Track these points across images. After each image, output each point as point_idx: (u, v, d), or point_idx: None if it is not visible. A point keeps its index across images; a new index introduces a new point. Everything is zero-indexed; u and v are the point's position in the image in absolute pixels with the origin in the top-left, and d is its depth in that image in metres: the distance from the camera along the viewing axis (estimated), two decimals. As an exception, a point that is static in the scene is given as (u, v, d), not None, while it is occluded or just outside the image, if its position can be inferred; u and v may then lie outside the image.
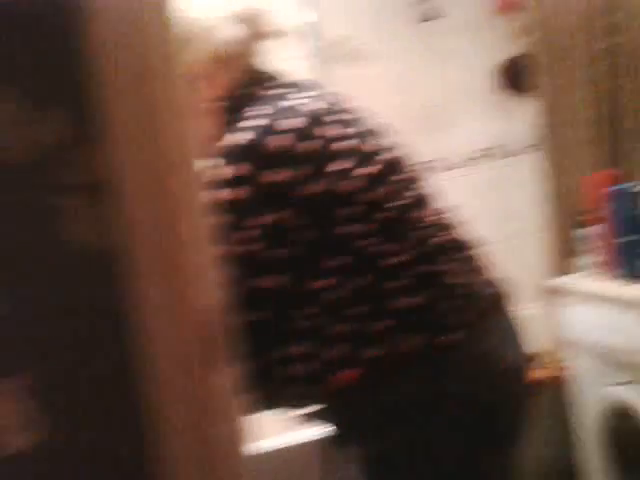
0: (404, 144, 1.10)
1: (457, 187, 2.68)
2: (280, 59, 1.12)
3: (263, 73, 1.07)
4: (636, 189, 1.84)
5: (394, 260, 0.95)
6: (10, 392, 0.61)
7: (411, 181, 1.04)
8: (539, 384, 1.98)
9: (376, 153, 0.99)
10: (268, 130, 0.93)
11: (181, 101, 0.66)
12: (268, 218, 0.92)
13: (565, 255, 2.09)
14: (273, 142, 0.92)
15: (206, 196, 0.70)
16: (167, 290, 0.63)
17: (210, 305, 0.67)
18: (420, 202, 1.04)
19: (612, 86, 2.12)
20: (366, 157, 0.97)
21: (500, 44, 2.65)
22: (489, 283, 1.07)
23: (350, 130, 0.99)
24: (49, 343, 0.61)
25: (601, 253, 1.93)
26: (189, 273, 0.64)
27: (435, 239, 1.00)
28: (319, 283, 0.94)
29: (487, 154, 2.72)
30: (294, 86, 1.06)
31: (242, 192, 0.92)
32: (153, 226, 0.62)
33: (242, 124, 0.96)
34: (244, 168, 0.92)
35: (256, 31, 1.07)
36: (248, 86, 1.04)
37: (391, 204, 0.97)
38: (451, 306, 0.96)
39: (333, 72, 2.48)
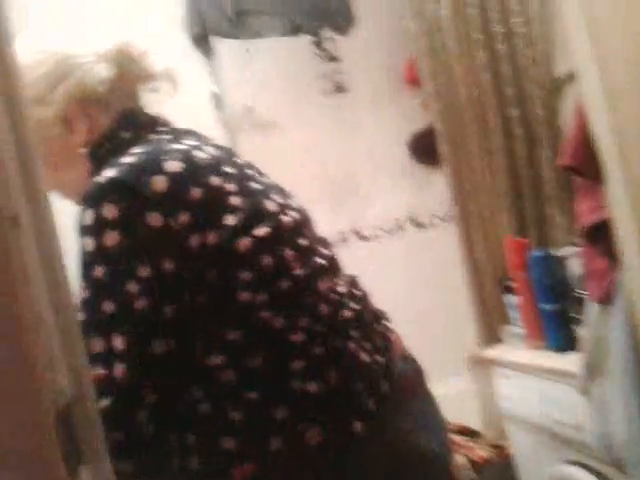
0: (312, 212, 1.02)
1: (372, 258, 2.66)
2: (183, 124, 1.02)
3: (141, 118, 0.97)
4: (554, 254, 1.81)
5: (298, 337, 0.83)
6: None
7: (319, 248, 0.94)
8: (479, 464, 1.88)
9: (278, 213, 0.88)
10: (137, 168, 0.80)
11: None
12: (145, 270, 0.77)
13: (492, 324, 2.06)
14: (142, 181, 0.79)
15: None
16: (7, 381, 0.49)
17: (65, 391, 0.54)
18: (330, 271, 0.93)
19: (509, 155, 2.18)
20: (265, 216, 0.85)
21: (408, 116, 2.68)
22: (403, 361, 0.97)
23: (243, 185, 0.87)
24: None
25: (526, 322, 1.89)
26: (34, 354, 0.50)
27: (346, 312, 0.90)
28: (212, 359, 0.81)
29: (400, 225, 2.69)
30: (177, 133, 0.95)
31: (108, 239, 0.77)
32: None
33: (108, 166, 0.83)
34: (107, 210, 0.78)
35: (128, 72, 0.98)
36: (120, 130, 0.93)
37: (298, 271, 0.85)
38: (356, 390, 0.85)
39: (239, 142, 2.43)
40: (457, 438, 1.79)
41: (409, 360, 1.00)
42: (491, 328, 2.07)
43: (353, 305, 0.92)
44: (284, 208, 0.90)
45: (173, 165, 0.81)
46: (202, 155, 0.86)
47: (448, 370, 2.51)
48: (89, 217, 0.79)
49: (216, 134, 2.35)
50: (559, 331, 1.78)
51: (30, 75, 0.92)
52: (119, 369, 0.76)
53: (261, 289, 0.82)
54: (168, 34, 2.33)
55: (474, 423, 2.04)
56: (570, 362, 1.53)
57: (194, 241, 0.79)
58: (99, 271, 0.77)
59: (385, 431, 0.86)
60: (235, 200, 0.83)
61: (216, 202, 0.82)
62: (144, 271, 0.77)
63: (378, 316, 1.00)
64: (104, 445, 0.59)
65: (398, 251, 2.67)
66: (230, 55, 2.49)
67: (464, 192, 2.21)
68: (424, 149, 2.58)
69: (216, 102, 2.49)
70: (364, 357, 0.88)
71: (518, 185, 2.18)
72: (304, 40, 2.58)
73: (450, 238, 2.33)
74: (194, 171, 0.83)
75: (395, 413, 0.88)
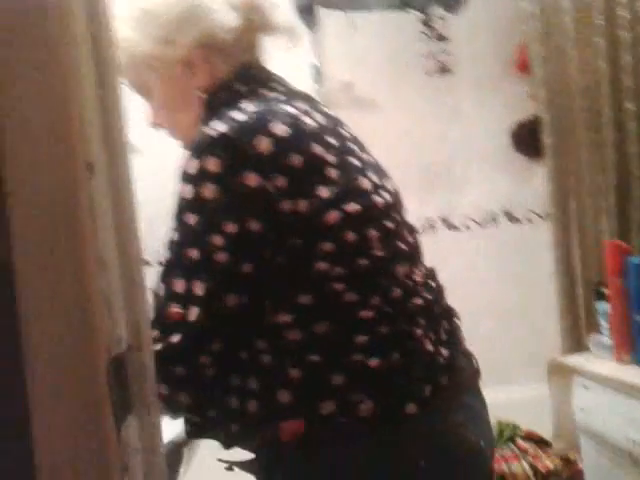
0: (404, 197, 1.01)
1: (459, 249, 2.56)
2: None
3: (258, 72, 0.98)
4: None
5: (367, 314, 0.85)
6: None
7: (405, 233, 0.95)
8: (543, 474, 1.77)
9: (371, 192, 0.89)
10: (245, 127, 0.83)
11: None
12: (233, 226, 0.81)
13: (579, 331, 1.92)
14: (248, 141, 0.82)
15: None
16: (65, 322, 0.48)
17: (122, 339, 0.53)
18: (411, 257, 0.94)
19: (621, 153, 2.00)
20: (358, 193, 0.87)
21: (513, 105, 2.54)
22: (463, 356, 0.98)
23: (343, 158, 0.88)
24: None
25: (615, 333, 1.74)
26: (94, 300, 0.49)
27: (417, 300, 0.91)
28: (281, 317, 0.84)
29: (494, 217, 2.57)
30: (291, 93, 0.96)
31: (207, 191, 0.81)
32: (49, 242, 0.47)
33: (219, 117, 0.85)
34: (211, 163, 0.81)
35: (254, 23, 0.98)
36: (237, 82, 0.95)
37: (379, 252, 0.87)
38: (415, 375, 0.86)
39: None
40: (524, 444, 1.69)
41: (468, 356, 1.00)
42: (577, 335, 1.93)
43: (426, 295, 0.93)
44: (378, 188, 0.90)
45: (280, 128, 0.83)
46: (309, 122, 0.87)
47: (527, 373, 2.39)
48: (193, 166, 0.82)
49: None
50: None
51: (161, 15, 0.94)
52: (194, 312, 0.80)
53: (339, 263, 0.84)
54: (272, 1, 2.31)
55: (546, 432, 1.92)
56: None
57: (285, 206, 0.82)
58: (192, 219, 0.81)
59: (437, 420, 0.87)
60: (332, 172, 0.85)
61: (314, 172, 0.84)
62: (231, 227, 0.80)
63: (448, 311, 1.00)
64: (155, 397, 0.59)
65: (488, 244, 2.55)
66: (334, 27, 2.44)
67: (565, 188, 2.06)
68: (528, 140, 2.44)
69: (315, 75, 2.45)
70: (428, 346, 0.88)
71: (625, 185, 2.00)
72: (411, 16, 2.49)
73: (545, 236, 2.19)
74: (299, 137, 0.84)
75: (449, 405, 0.89)
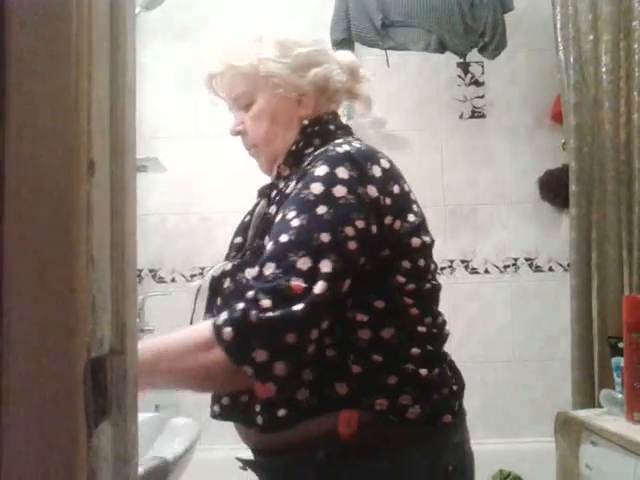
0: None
1: (477, 293, 2.51)
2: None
3: (339, 120, 1.14)
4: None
5: (423, 329, 0.98)
6: None
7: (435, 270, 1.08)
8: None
9: (426, 227, 1.03)
10: (363, 153, 0.98)
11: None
12: (361, 223, 0.93)
13: (592, 385, 1.85)
14: (365, 163, 0.96)
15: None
16: (45, 318, 0.46)
17: (105, 342, 0.51)
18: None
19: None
20: (427, 228, 1.02)
21: (545, 154, 2.52)
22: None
23: (412, 196, 1.04)
24: None
25: (629, 389, 1.67)
26: (78, 298, 0.47)
27: (447, 329, 1.05)
28: (358, 316, 0.95)
29: (515, 264, 2.52)
30: (358, 139, 1.11)
31: (337, 190, 0.93)
32: (41, 237, 0.46)
33: (338, 143, 1.00)
34: (341, 171, 0.95)
35: (349, 84, 1.15)
36: (329, 123, 1.11)
37: (434, 281, 1.02)
38: (452, 390, 0.99)
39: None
40: (524, 498, 1.60)
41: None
42: (590, 389, 1.86)
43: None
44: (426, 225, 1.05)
45: (383, 161, 0.99)
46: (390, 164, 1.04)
47: (536, 425, 2.30)
48: (324, 171, 0.94)
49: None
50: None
51: (301, 49, 1.09)
52: (321, 286, 0.87)
53: (412, 281, 0.97)
54: (311, 35, 2.36)
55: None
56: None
57: (387, 221, 0.95)
58: (322, 209, 0.91)
59: (461, 432, 1.01)
60: (414, 206, 1.01)
61: (405, 201, 0.99)
62: (360, 224, 0.92)
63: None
64: (134, 405, 0.57)
65: (507, 291, 2.49)
66: (370, 64, 2.47)
67: (589, 238, 2.02)
68: (556, 188, 2.41)
69: (348, 109, 2.47)
70: (452, 369, 1.03)
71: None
72: (449, 59, 2.51)
73: (566, 287, 2.14)
74: (394, 171, 1.01)
75: (462, 422, 1.02)
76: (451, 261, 2.51)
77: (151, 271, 2.54)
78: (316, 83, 1.10)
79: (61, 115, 0.46)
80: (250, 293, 0.86)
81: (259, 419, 0.94)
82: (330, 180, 0.93)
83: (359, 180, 0.94)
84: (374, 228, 0.94)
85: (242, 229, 1.13)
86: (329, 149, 0.98)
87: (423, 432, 0.95)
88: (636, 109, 1.99)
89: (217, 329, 0.85)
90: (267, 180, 1.19)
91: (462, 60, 2.52)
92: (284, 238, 0.90)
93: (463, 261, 2.52)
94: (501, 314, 2.47)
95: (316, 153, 1.00)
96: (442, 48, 2.41)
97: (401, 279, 0.97)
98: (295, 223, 0.91)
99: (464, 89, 2.61)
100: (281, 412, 0.93)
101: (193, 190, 2.57)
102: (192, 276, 2.52)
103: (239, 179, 2.55)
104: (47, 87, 0.46)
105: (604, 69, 2.02)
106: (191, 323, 1.04)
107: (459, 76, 2.62)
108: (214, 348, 0.85)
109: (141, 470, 0.99)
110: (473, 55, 2.43)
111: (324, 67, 1.10)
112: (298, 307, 0.85)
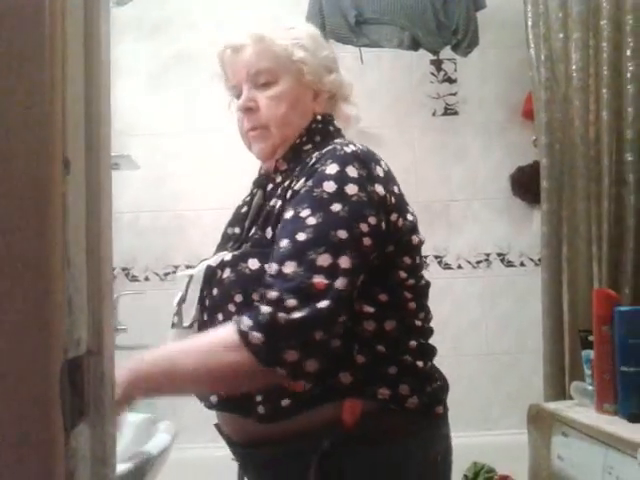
0: None
1: (451, 288, 2.54)
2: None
3: (335, 123, 1.17)
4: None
5: (419, 323, 1.03)
6: None
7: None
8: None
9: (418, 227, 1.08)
10: (366, 154, 1.01)
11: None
12: (374, 219, 0.96)
13: (562, 378, 1.88)
14: (370, 163, 1.00)
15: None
16: (21, 318, 0.46)
17: (82, 342, 0.51)
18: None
19: (617, 204, 2.00)
20: (417, 225, 1.06)
21: (516, 151, 2.56)
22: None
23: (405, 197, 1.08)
24: None
25: (599, 382, 1.70)
26: (54, 298, 0.47)
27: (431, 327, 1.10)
28: (365, 308, 0.98)
29: (488, 259, 2.55)
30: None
31: (349, 188, 0.96)
32: (16, 236, 0.46)
33: (345, 141, 1.04)
34: (351, 170, 0.97)
35: (348, 95, 1.20)
36: (330, 123, 1.14)
37: (424, 279, 1.07)
38: (442, 383, 1.05)
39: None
40: (497, 489, 1.63)
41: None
42: (561, 382, 1.89)
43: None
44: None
45: (383, 163, 1.03)
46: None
47: (509, 418, 2.34)
48: (334, 169, 0.97)
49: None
50: (636, 398, 1.59)
51: (325, 46, 1.16)
52: (342, 281, 0.90)
53: (412, 276, 1.02)
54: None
55: (523, 479, 1.86)
56: (641, 433, 1.36)
57: (393, 218, 0.99)
58: (337, 207, 0.94)
59: (447, 424, 1.06)
60: (409, 207, 1.05)
61: (403, 201, 1.03)
62: (373, 220, 0.95)
63: None
64: (111, 405, 0.57)
65: (479, 286, 2.53)
66: (343, 61, 2.48)
67: (559, 233, 2.05)
68: (527, 184, 2.44)
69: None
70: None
71: (620, 236, 1.99)
72: (422, 56, 2.53)
73: (537, 282, 2.17)
74: (392, 174, 1.04)
75: (447, 415, 1.06)
76: (425, 257, 2.53)
77: (124, 269, 2.52)
78: (333, 85, 1.14)
79: (35, 112, 0.45)
80: (273, 294, 0.88)
81: (260, 409, 0.96)
82: (342, 178, 0.96)
83: (367, 179, 0.97)
84: (383, 225, 0.97)
85: (239, 219, 1.14)
86: (336, 148, 1.00)
87: (420, 422, 0.99)
88: (605, 106, 2.03)
89: (244, 334, 0.86)
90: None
91: (435, 57, 2.54)
92: (302, 236, 0.92)
93: (437, 257, 2.55)
94: (473, 309, 2.50)
95: (323, 151, 1.01)
96: (415, 45, 2.42)
97: (403, 274, 1.01)
98: (311, 221, 0.93)
99: (437, 86, 2.63)
100: (284, 402, 0.95)
101: (166, 188, 2.56)
102: (166, 274, 2.50)
103: (213, 176, 2.54)
104: (21, 84, 0.45)
105: (574, 67, 2.05)
106: (179, 312, 1.04)
107: (432, 73, 2.64)
108: (241, 351, 0.87)
109: (119, 470, 0.99)
110: (446, 52, 2.45)
111: (339, 74, 1.16)
112: (323, 304, 0.88)
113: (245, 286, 0.95)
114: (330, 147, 1.02)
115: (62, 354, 0.47)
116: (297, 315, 0.86)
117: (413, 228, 1.04)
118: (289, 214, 0.96)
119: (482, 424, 2.39)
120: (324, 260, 0.90)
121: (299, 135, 1.10)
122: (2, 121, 0.44)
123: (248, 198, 1.16)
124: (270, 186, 1.10)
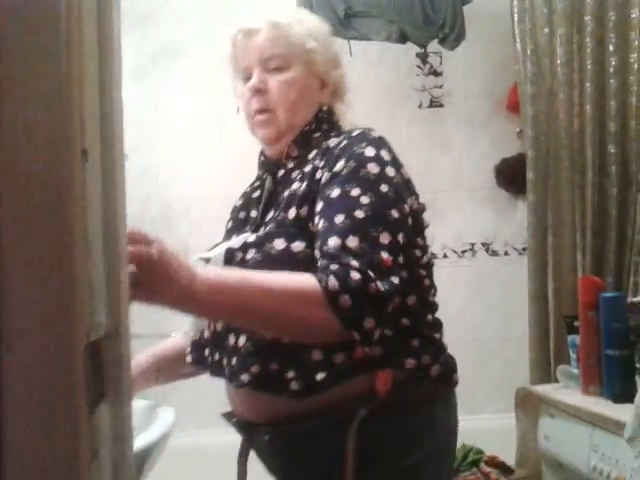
0: None
1: (437, 278, 2.59)
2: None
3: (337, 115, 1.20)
4: (629, 299, 1.69)
5: (432, 299, 1.09)
6: None
7: None
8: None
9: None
10: (384, 139, 1.06)
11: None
12: (410, 199, 1.04)
13: (548, 362, 1.94)
14: (390, 147, 1.05)
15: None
16: (47, 303, 0.47)
17: (101, 325, 0.52)
18: None
19: (601, 195, 2.06)
20: (425, 209, 1.11)
21: (501, 142, 2.61)
22: None
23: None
24: None
25: (584, 365, 1.77)
26: (78, 283, 0.48)
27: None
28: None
29: (473, 249, 2.61)
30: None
31: (389, 170, 1.01)
32: (39, 223, 0.47)
33: (356, 129, 1.08)
34: (384, 153, 1.02)
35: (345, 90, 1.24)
36: (333, 114, 1.17)
37: (430, 258, 1.12)
38: (450, 355, 1.10)
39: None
40: (488, 469, 1.69)
41: None
42: (547, 366, 1.96)
43: None
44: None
45: (392, 149, 1.06)
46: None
47: (497, 402, 2.40)
48: (372, 152, 1.01)
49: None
50: (620, 379, 1.65)
51: (335, 43, 1.22)
52: (402, 259, 0.97)
53: (424, 255, 1.07)
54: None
55: (511, 460, 1.93)
56: (626, 413, 1.42)
57: (412, 199, 1.05)
58: (385, 188, 0.99)
59: (455, 395, 1.11)
60: (416, 189, 1.10)
61: (412, 186, 1.08)
62: (409, 201, 1.03)
63: None
64: (129, 387, 0.58)
65: (465, 275, 2.58)
66: (333, 53, 2.50)
67: (544, 223, 2.11)
68: (511, 176, 2.50)
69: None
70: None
71: (604, 225, 2.06)
72: (408, 49, 2.56)
73: (522, 271, 2.23)
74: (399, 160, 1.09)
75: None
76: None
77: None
78: (337, 80, 1.18)
79: (56, 108, 0.46)
80: (354, 263, 0.91)
81: (293, 385, 0.97)
82: (381, 161, 1.01)
83: (396, 162, 1.03)
84: (415, 206, 1.05)
85: (252, 204, 1.15)
86: (365, 132, 1.06)
87: (443, 389, 1.07)
88: (588, 100, 2.09)
89: (332, 295, 0.88)
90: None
91: (421, 50, 2.58)
92: (360, 214, 0.95)
93: (423, 246, 2.60)
94: (459, 297, 2.56)
95: (353, 134, 1.05)
96: (403, 39, 2.46)
97: (418, 253, 1.06)
98: (365, 200, 0.97)
99: (423, 79, 2.68)
100: (319, 376, 0.97)
101: (154, 179, 2.56)
102: (156, 263, 2.50)
103: (203, 167, 2.56)
104: (44, 82, 0.46)
105: (559, 61, 2.11)
106: None
107: (418, 66, 2.68)
108: (325, 310, 0.89)
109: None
110: (432, 46, 2.49)
111: (343, 71, 1.21)
112: (396, 280, 0.94)
113: (271, 266, 0.96)
114: (359, 131, 1.06)
115: (85, 337, 0.48)
116: (382, 287, 0.90)
117: (423, 210, 1.10)
118: (335, 192, 0.98)
119: (469, 408, 2.45)
120: (385, 238, 0.95)
121: (308, 122, 1.12)
122: (28, 116, 0.46)
123: (257, 183, 1.18)
124: (281, 172, 1.12)
